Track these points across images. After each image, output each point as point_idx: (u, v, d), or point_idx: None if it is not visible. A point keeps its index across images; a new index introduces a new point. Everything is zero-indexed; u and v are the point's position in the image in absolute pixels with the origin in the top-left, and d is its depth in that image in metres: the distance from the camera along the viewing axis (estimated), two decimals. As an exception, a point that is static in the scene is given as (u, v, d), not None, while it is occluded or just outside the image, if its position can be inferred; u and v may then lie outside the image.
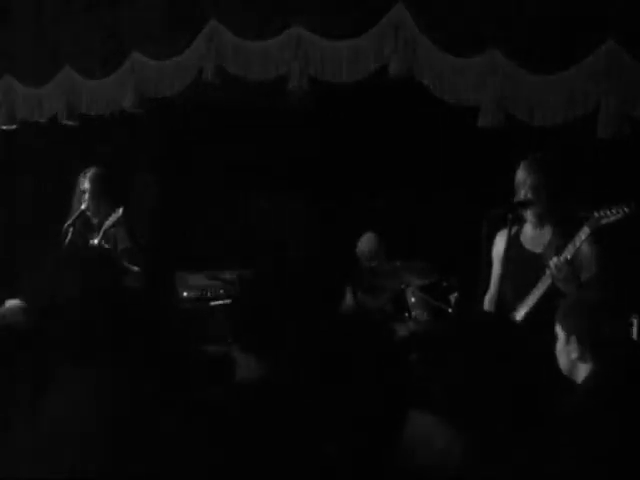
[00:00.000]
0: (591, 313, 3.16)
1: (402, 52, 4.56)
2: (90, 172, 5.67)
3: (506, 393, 1.89)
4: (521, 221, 4.20)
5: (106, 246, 5.45)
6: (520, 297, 4.05)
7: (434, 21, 4.45)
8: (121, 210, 5.48)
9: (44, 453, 2.01)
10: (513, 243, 4.17)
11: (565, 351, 3.17)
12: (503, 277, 4.18)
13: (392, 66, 4.62)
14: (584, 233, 3.83)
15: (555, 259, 3.89)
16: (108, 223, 5.49)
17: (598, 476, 2.07)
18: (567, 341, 3.14)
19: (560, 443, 1.92)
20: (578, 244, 3.84)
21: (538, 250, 4.13)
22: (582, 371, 3.12)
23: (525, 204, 4.09)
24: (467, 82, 4.38)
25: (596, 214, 3.81)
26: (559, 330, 3.20)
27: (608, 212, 3.77)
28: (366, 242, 6.13)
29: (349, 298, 6.30)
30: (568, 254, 3.86)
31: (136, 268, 5.34)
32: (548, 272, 3.92)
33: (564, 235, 3.98)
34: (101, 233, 5.50)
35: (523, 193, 4.08)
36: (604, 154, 4.16)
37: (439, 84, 4.50)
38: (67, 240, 5.61)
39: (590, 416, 2.64)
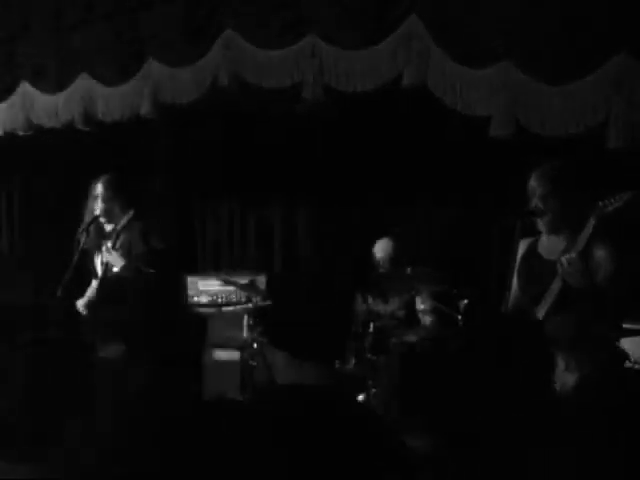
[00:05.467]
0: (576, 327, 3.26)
1: (415, 63, 4.62)
2: (103, 178, 5.73)
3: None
4: (539, 232, 4.25)
5: (120, 251, 5.52)
6: (537, 303, 4.10)
7: (448, 32, 4.52)
8: (132, 212, 5.56)
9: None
10: (531, 253, 4.22)
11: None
12: (520, 287, 4.23)
13: (406, 76, 4.68)
14: (591, 224, 3.88)
15: (564, 257, 3.95)
16: (119, 226, 5.56)
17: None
18: None
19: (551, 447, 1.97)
20: (585, 236, 3.89)
21: (553, 257, 4.17)
22: (570, 381, 3.23)
23: (533, 213, 4.14)
24: (480, 93, 4.44)
25: (600, 203, 3.87)
26: None
27: (612, 199, 3.84)
28: (380, 247, 6.17)
29: (359, 303, 6.34)
30: (578, 247, 3.91)
31: (151, 270, 5.42)
32: (560, 271, 3.98)
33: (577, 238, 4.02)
34: (113, 237, 5.57)
35: (533, 202, 4.13)
36: (614, 164, 4.20)
37: (452, 94, 4.55)
38: (80, 246, 5.67)
39: (579, 421, 2.72)
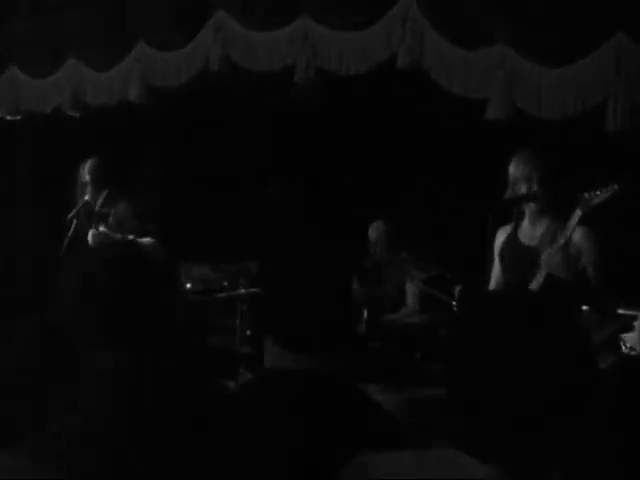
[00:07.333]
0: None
1: (410, 44, 4.55)
2: (89, 162, 5.67)
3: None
4: (521, 217, 4.20)
5: (108, 231, 5.47)
6: None
7: (442, 13, 4.45)
8: (106, 192, 5.51)
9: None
10: (511, 239, 4.17)
11: None
12: (503, 272, 4.19)
13: (400, 58, 4.61)
14: (576, 216, 3.81)
15: (546, 251, 3.89)
16: (97, 206, 5.51)
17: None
18: None
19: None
20: (571, 228, 3.83)
21: (534, 243, 4.13)
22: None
23: (527, 198, 4.07)
24: (475, 75, 4.38)
25: (586, 195, 3.80)
26: None
27: (598, 192, 3.77)
28: (373, 229, 6.16)
29: (355, 287, 6.31)
30: (562, 239, 3.86)
31: (147, 239, 5.38)
32: (542, 263, 3.93)
33: (559, 224, 3.97)
34: (95, 219, 5.52)
35: (527, 187, 4.06)
36: (612, 147, 4.16)
37: (447, 76, 4.49)
38: (71, 231, 5.61)
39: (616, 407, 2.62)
